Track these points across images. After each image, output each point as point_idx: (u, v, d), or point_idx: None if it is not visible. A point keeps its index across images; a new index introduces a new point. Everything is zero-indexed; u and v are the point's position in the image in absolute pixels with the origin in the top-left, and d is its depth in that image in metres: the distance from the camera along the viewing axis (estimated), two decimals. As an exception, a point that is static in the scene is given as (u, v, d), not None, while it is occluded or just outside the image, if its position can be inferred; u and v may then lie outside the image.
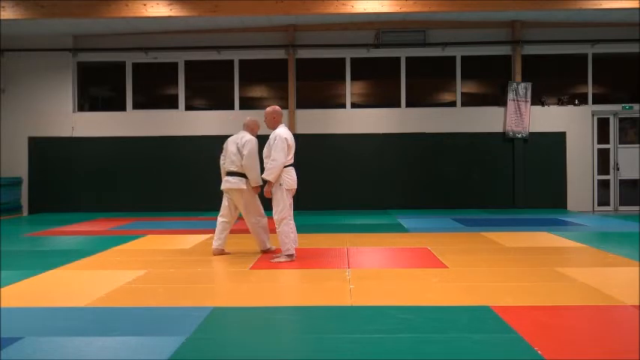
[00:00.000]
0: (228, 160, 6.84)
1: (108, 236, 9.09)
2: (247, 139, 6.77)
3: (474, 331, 3.83)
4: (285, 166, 6.47)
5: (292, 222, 6.56)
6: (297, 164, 6.76)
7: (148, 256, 6.96)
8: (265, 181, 6.53)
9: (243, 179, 6.72)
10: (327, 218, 11.56)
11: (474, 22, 13.62)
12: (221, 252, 7.00)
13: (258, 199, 6.90)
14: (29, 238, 9.12)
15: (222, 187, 6.89)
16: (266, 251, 7.06)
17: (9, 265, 6.43)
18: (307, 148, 12.53)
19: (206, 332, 3.86)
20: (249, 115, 13.50)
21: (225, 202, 6.96)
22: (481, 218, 11.44)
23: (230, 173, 6.78)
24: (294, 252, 6.56)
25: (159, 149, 13.99)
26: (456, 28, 13.71)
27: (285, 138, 6.48)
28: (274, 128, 6.64)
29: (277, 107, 6.81)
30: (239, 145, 6.74)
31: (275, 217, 6.51)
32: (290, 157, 6.54)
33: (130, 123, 14.14)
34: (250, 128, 6.98)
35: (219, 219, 6.99)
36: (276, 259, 6.52)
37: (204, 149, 13.93)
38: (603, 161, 13.97)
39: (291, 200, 6.61)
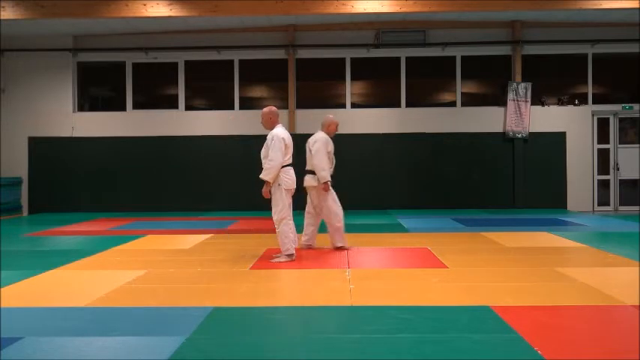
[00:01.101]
0: (308, 158, 7.24)
1: (108, 236, 9.09)
2: (317, 138, 7.18)
3: (474, 331, 3.82)
4: (284, 166, 6.49)
5: (292, 222, 6.60)
6: (296, 164, 6.76)
7: (148, 256, 6.96)
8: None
9: (316, 177, 7.08)
10: (327, 218, 11.54)
11: (474, 22, 13.62)
12: (308, 247, 7.35)
13: (330, 199, 7.18)
14: (29, 238, 9.11)
15: (304, 184, 7.26)
16: (338, 248, 7.23)
17: (9, 265, 6.43)
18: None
19: (206, 332, 3.86)
20: (249, 115, 13.83)
21: (308, 199, 7.36)
22: (481, 218, 11.44)
23: (308, 171, 7.17)
24: (294, 252, 6.57)
25: (159, 149, 13.98)
26: (456, 28, 13.71)
27: (283, 138, 6.51)
28: (271, 128, 6.67)
29: (273, 108, 6.83)
30: (310, 144, 7.16)
31: (274, 217, 6.55)
32: (288, 157, 6.57)
33: (130, 123, 14.14)
34: (326, 127, 7.38)
35: (305, 215, 7.37)
36: (276, 259, 6.52)
37: (204, 149, 13.95)
38: (603, 161, 13.97)
39: (290, 200, 6.63)
